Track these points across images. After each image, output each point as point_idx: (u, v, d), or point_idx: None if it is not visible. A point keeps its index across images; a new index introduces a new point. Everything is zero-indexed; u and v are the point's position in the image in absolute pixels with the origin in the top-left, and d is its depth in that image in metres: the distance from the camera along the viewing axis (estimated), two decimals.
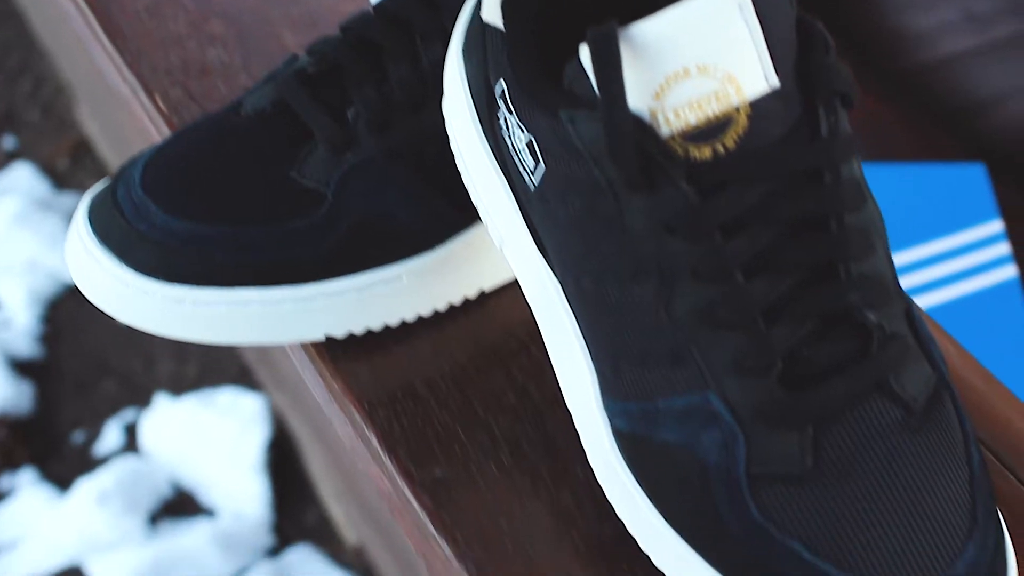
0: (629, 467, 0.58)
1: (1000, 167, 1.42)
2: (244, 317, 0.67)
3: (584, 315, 0.59)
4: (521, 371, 0.67)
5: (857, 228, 0.55)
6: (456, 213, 0.68)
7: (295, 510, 1.96)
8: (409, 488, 0.63)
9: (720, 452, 0.55)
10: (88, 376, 2.07)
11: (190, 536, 1.91)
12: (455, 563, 0.60)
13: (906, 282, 1.27)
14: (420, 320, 0.70)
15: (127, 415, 2.01)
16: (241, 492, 1.95)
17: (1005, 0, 1.88)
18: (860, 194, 0.56)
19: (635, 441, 0.57)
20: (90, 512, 1.89)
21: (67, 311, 2.16)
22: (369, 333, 0.69)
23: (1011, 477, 0.62)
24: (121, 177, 0.69)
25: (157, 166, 0.69)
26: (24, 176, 2.31)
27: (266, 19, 0.87)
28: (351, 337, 0.69)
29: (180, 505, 1.97)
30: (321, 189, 0.67)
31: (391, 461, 0.64)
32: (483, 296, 0.71)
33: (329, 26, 0.84)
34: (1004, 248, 1.29)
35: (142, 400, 2.05)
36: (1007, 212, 1.34)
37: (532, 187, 0.59)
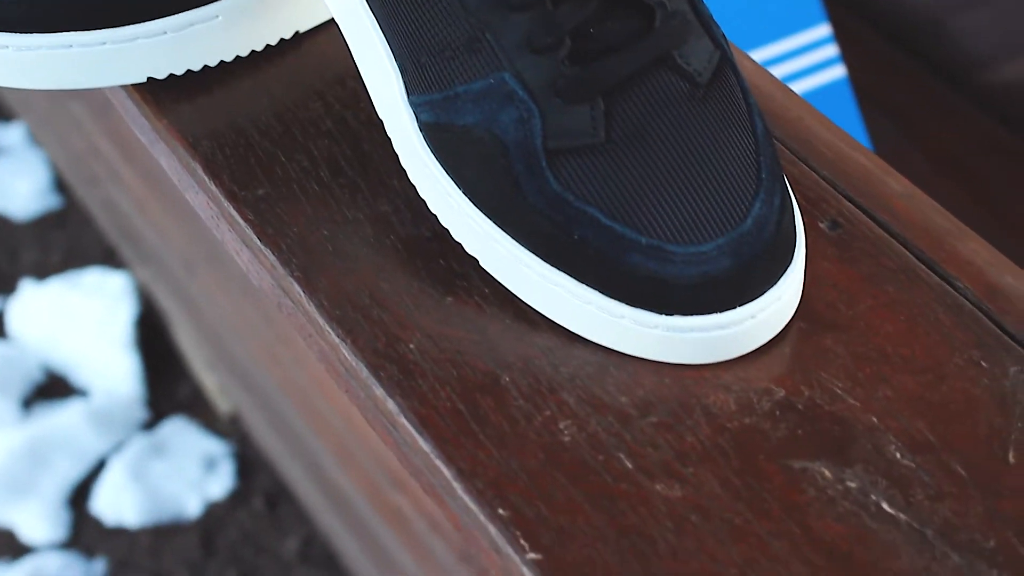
0: (435, 156, 0.61)
1: None
2: (67, 60, 0.68)
3: (384, 15, 0.61)
4: (338, 100, 0.70)
5: None
6: None
7: (167, 384, 1.97)
8: (233, 206, 0.65)
9: (518, 128, 0.58)
10: None
11: (64, 416, 1.92)
12: (280, 268, 0.62)
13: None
14: (239, 60, 0.72)
15: None
16: (112, 370, 1.96)
17: None
18: None
19: (439, 130, 0.60)
20: None
21: None
22: (190, 74, 0.71)
23: (802, 164, 0.65)
24: None
25: None
26: None
27: None
28: (172, 78, 0.70)
29: (52, 388, 1.98)
30: None
31: (215, 185, 0.66)
32: (299, 37, 0.73)
33: None
34: (832, 50, 1.32)
35: (7, 287, 2.05)
36: (834, 14, 1.36)
37: None
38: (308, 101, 0.70)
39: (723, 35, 0.61)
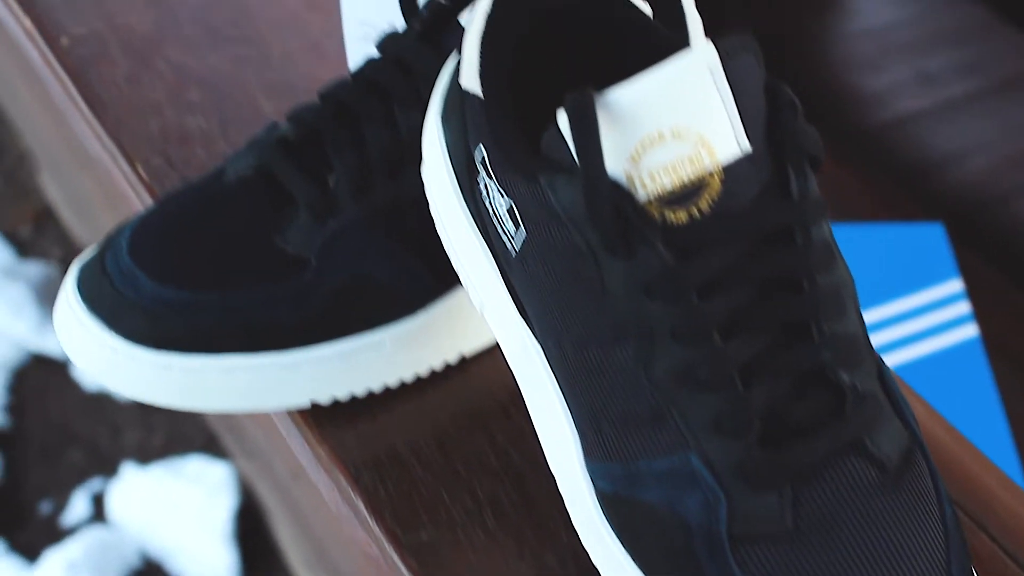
0: (612, 528, 0.59)
1: (958, 226, 1.44)
2: (231, 384, 0.68)
3: (566, 377, 0.60)
4: (502, 434, 0.68)
5: (828, 288, 0.57)
6: (436, 278, 0.69)
7: None
8: (397, 552, 0.63)
9: (702, 512, 0.56)
10: (54, 445, 2.07)
11: None
12: None
13: (877, 340, 1.28)
14: (402, 385, 0.71)
15: (94, 484, 2.00)
16: (209, 561, 1.94)
17: (956, 60, 1.90)
18: (830, 254, 0.57)
19: (618, 502, 0.58)
20: None
21: (33, 380, 2.15)
22: (353, 398, 0.70)
23: (982, 534, 0.63)
24: (109, 245, 0.70)
25: (144, 234, 0.70)
26: None
27: (242, 85, 0.88)
28: (335, 402, 0.69)
29: (149, 575, 1.97)
30: (304, 254, 0.68)
31: (378, 526, 0.65)
32: (464, 361, 0.72)
33: (305, 92, 0.85)
34: (964, 307, 1.30)
35: (109, 469, 2.04)
36: (966, 271, 1.35)
37: (513, 252, 0.60)
38: (472, 433, 0.68)
39: (913, 415, 0.59)
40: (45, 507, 1.99)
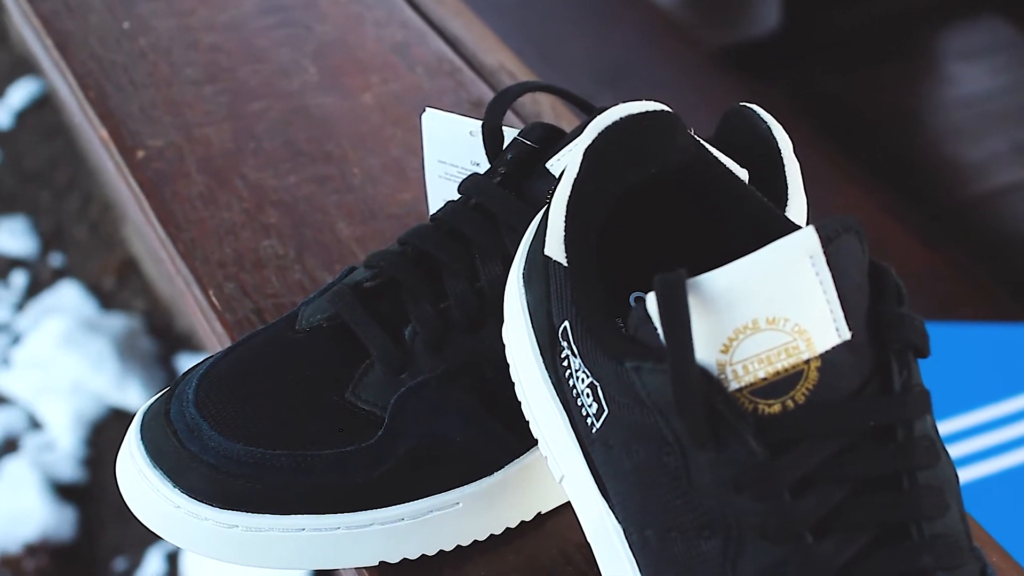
0: None
1: None
2: (297, 543, 0.65)
3: (648, 565, 0.57)
4: None
5: (930, 486, 0.54)
6: (514, 438, 0.66)
7: None
8: None
9: None
10: None
11: None
12: None
13: (976, 444, 1.25)
14: (475, 543, 0.68)
15: (169, 544, 2.00)
16: None
17: None
18: (934, 451, 0.54)
19: None
20: None
21: (111, 434, 2.15)
22: (423, 557, 0.67)
23: None
24: (174, 393, 0.68)
25: (210, 384, 0.67)
26: (71, 295, 2.32)
27: (321, 207, 0.85)
28: (404, 561, 0.67)
29: None
30: (377, 412, 0.66)
31: None
32: (540, 517, 0.69)
33: (386, 218, 0.83)
34: None
35: None
36: None
37: (595, 430, 0.57)
38: None
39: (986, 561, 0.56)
40: (119, 564, 1.99)
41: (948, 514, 0.54)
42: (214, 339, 0.80)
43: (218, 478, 0.65)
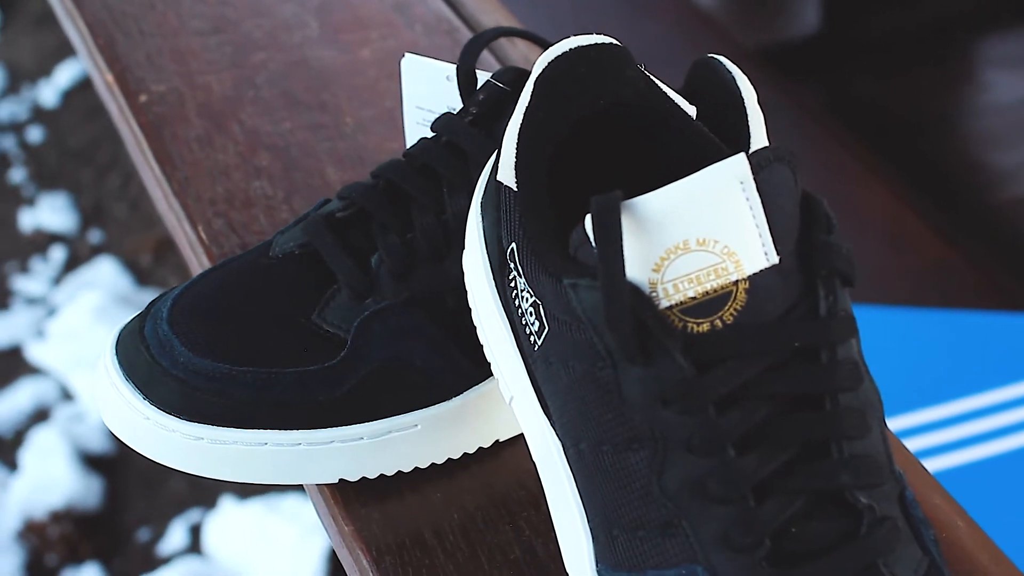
0: None
1: None
2: (260, 457, 0.68)
3: (582, 479, 0.59)
4: (529, 526, 0.67)
5: (852, 408, 0.55)
6: (473, 365, 0.68)
7: None
8: None
9: None
10: (156, 474, 2.09)
11: None
12: None
13: (974, 428, 1.26)
14: (433, 467, 0.70)
15: (193, 515, 2.03)
16: None
17: None
18: (857, 374, 0.56)
19: None
20: None
21: None
22: (382, 478, 0.69)
23: None
24: (150, 312, 0.71)
25: (184, 304, 0.70)
26: (107, 271, 2.35)
27: (313, 153, 0.88)
28: (364, 480, 0.69)
29: None
30: (341, 334, 0.68)
31: None
32: (497, 445, 0.71)
33: (374, 164, 0.85)
34: None
35: (208, 501, 2.06)
36: None
37: (537, 347, 0.59)
38: (499, 523, 0.68)
39: (934, 540, 0.58)
40: (143, 535, 2.02)
41: (869, 435, 0.56)
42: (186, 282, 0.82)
43: (186, 391, 0.67)
